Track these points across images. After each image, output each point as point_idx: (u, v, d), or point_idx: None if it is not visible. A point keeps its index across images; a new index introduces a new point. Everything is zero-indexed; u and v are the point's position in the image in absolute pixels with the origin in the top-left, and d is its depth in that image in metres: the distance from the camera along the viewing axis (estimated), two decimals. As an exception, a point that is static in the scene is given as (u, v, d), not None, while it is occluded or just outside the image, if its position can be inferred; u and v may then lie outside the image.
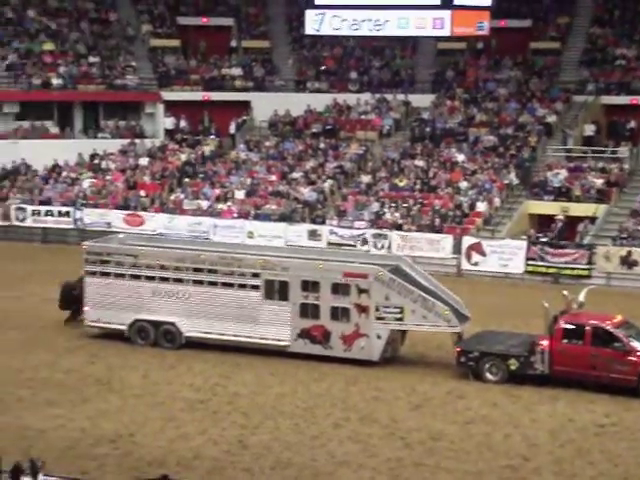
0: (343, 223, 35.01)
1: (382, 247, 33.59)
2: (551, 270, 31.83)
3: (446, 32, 39.52)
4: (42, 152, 40.21)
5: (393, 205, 35.50)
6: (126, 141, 42.31)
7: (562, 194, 34.84)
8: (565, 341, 21.04)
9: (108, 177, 39.87)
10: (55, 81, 42.41)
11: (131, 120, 43.62)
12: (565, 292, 22.36)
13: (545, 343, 21.08)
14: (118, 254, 24.39)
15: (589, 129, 38.35)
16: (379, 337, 22.38)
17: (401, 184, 36.87)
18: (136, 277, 23.98)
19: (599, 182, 34.89)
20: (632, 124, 38.13)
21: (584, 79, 40.28)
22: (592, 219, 33.68)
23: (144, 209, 37.43)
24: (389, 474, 16.39)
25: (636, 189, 34.85)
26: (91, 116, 43.73)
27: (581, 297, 22.14)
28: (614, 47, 41.11)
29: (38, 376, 21.28)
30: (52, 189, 38.94)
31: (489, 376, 21.48)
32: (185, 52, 45.50)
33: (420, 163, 37.86)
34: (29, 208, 37.84)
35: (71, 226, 37.44)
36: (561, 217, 33.42)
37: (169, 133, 43.19)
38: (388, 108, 41.97)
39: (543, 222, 34.57)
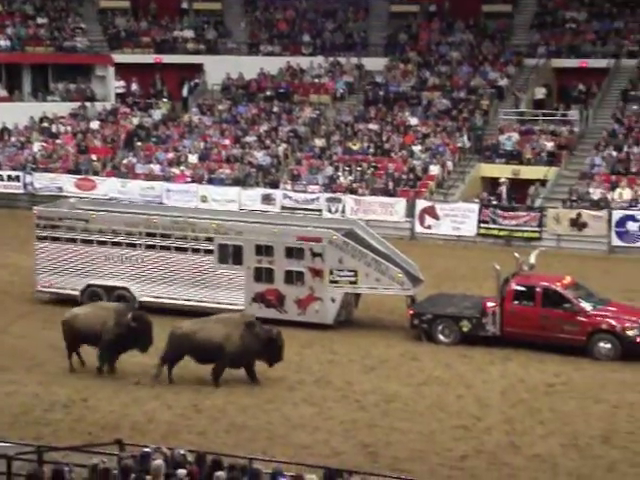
0: (297, 187, 34.98)
1: (336, 211, 33.66)
2: (503, 233, 32.15)
3: (399, -5, 39.59)
4: (-10, 115, 39.60)
5: (347, 169, 35.53)
6: (77, 104, 41.75)
7: (513, 157, 35.13)
8: (516, 302, 21.31)
9: (59, 141, 39.37)
10: (2, 43, 41.61)
11: (81, 83, 43.00)
12: (516, 254, 22.63)
13: (496, 305, 21.34)
14: (69, 219, 24.17)
15: (540, 92, 38.60)
16: (333, 300, 22.51)
17: (355, 148, 36.89)
18: (88, 242, 23.82)
19: (550, 145, 35.22)
20: (582, 87, 38.48)
21: (535, 42, 40.45)
22: (543, 182, 34.05)
23: (95, 173, 37.08)
24: (344, 436, 16.55)
25: (586, 152, 35.22)
26: (40, 79, 43.04)
27: (532, 259, 22.43)
28: (564, 10, 41.33)
29: (-10, 342, 21.10)
30: (1, 153, 38.35)
31: (442, 338, 21.73)
32: (135, 14, 44.87)
33: (374, 127, 37.87)
34: (-22, 173, 37.28)
35: (21, 191, 36.95)
36: (504, 180, 33.77)
37: (120, 96, 42.71)
38: (341, 71, 41.83)
39: (495, 185, 34.87)
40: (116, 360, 19.24)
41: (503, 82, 39.07)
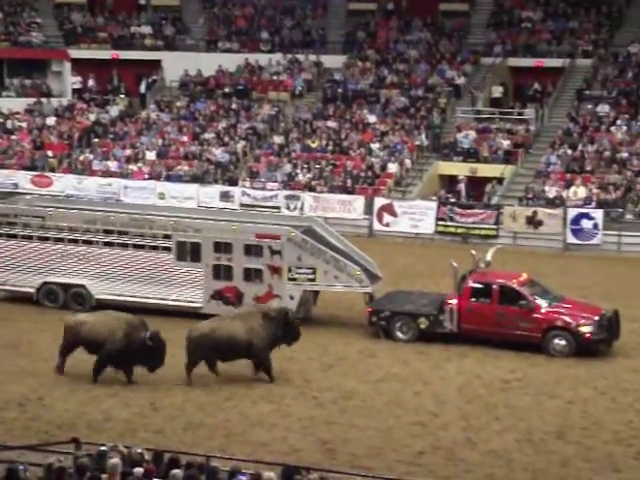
0: (255, 184, 34.96)
1: (294, 208, 33.69)
2: (460, 230, 32.40)
3: (357, -8, 39.70)
4: (-56, 111, 39.09)
5: (305, 166, 35.58)
6: (32, 100, 41.34)
7: (471, 155, 35.41)
8: (473, 299, 21.48)
9: (14, 137, 38.93)
10: (-44, 37, 41.15)
11: (37, 78, 42.58)
12: (473, 251, 22.79)
13: (454, 302, 21.50)
14: (25, 215, 23.95)
15: (497, 91, 38.95)
16: (292, 298, 22.51)
17: (313, 145, 36.94)
18: (44, 239, 23.60)
19: (506, 143, 35.56)
20: (537, 86, 38.87)
21: (491, 41, 40.80)
22: (499, 180, 34.37)
23: (52, 170, 36.75)
24: (302, 433, 16.57)
25: (541, 150, 35.61)
26: (-5, 74, 42.61)
27: (488, 256, 22.61)
28: (520, 10, 41.73)
29: (-57, 341, 20.85)
30: (-45, 149, 37.91)
31: (400, 335, 21.83)
32: (92, 9, 44.51)
33: (332, 124, 37.95)
34: None
35: (-25, 187, 36.56)
36: (463, 177, 34.06)
37: (77, 92, 42.34)
38: (300, 69, 41.87)
39: (453, 183, 35.13)
40: (103, 371, 18.65)
41: (460, 80, 39.35)
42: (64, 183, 35.77)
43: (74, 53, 42.48)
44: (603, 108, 36.40)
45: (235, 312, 20.29)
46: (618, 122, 35.40)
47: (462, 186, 33.81)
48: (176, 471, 11.03)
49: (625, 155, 33.83)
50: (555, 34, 40.34)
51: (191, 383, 18.70)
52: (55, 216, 23.82)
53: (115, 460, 11.17)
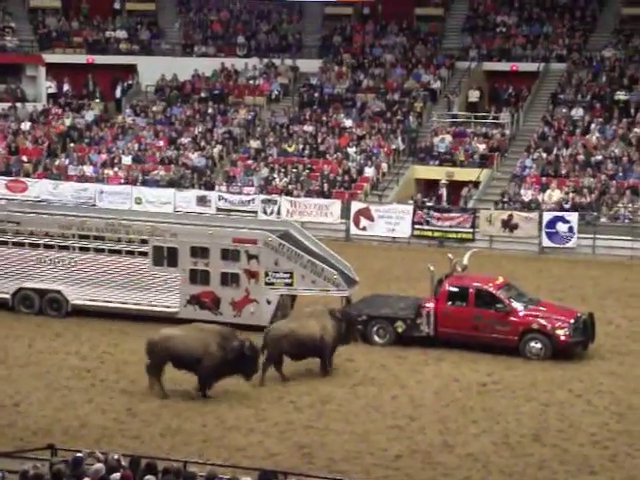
0: (232, 189, 34.93)
1: (271, 213, 33.68)
2: (436, 234, 32.49)
3: (333, -3, 39.76)
4: None
5: (282, 170, 35.58)
6: (7, 105, 41.08)
7: (447, 159, 35.53)
8: (449, 303, 21.56)
9: (-12, 142, 38.69)
10: None
11: (11, 83, 42.32)
12: (450, 255, 22.87)
13: (430, 305, 21.56)
14: (0, 221, 23.78)
15: (474, 95, 39.11)
16: (269, 302, 22.51)
17: (290, 149, 36.94)
18: (19, 244, 23.47)
19: (482, 147, 35.72)
20: (512, 90, 39.08)
21: (467, 46, 40.98)
22: (475, 183, 34.52)
23: (27, 175, 36.54)
24: (279, 437, 16.57)
25: (517, 154, 35.78)
26: (-32, 79, 42.31)
27: (465, 260, 22.69)
28: (495, 14, 41.95)
29: None
30: None
31: (377, 339, 21.86)
32: (67, 13, 44.31)
33: (309, 128, 37.97)
34: None
35: (-51, 193, 36.26)
36: (445, 181, 34.19)
37: (52, 97, 42.13)
38: (276, 73, 41.86)
39: (429, 187, 35.23)
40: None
41: (436, 85, 39.49)
42: (39, 188, 35.57)
43: (49, 58, 42.26)
44: (577, 112, 36.65)
45: (306, 311, 20.47)
46: (592, 126, 35.65)
47: (444, 190, 33.89)
48: (148, 477, 10.96)
49: (599, 158, 34.08)
50: (530, 38, 40.58)
51: (264, 384, 18.84)
52: (30, 221, 23.69)
53: (99, 465, 11.15)
